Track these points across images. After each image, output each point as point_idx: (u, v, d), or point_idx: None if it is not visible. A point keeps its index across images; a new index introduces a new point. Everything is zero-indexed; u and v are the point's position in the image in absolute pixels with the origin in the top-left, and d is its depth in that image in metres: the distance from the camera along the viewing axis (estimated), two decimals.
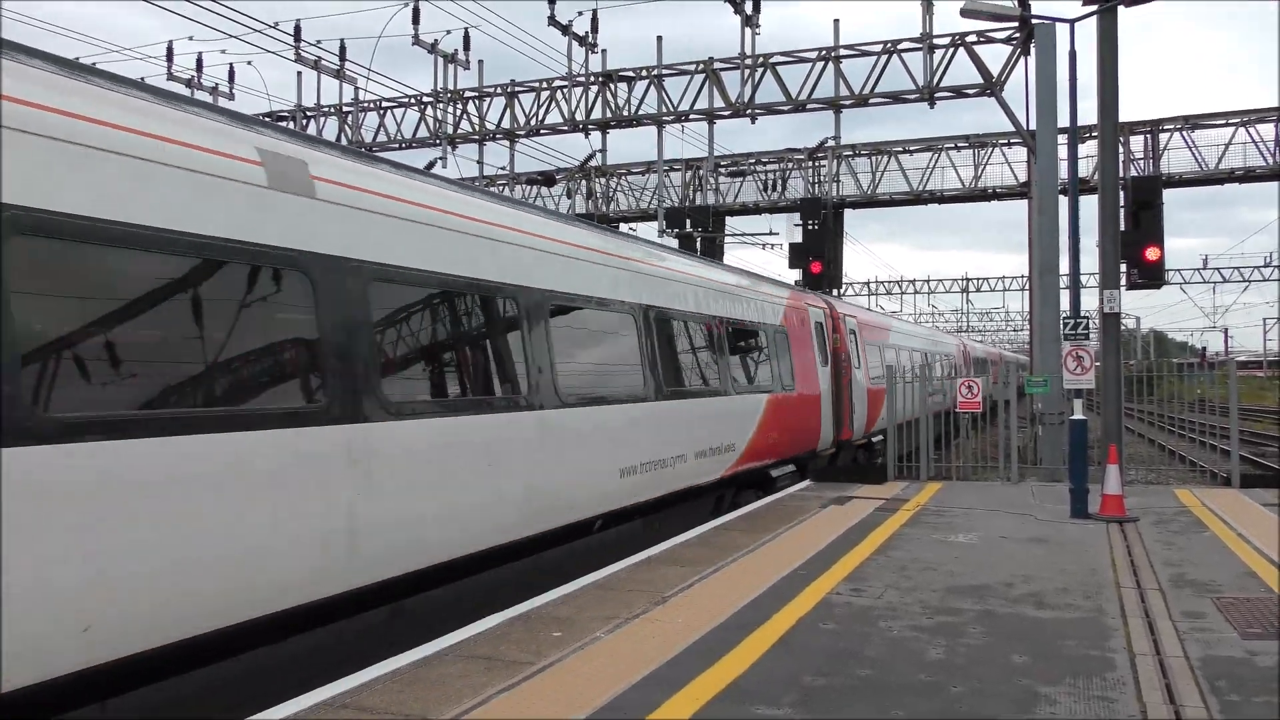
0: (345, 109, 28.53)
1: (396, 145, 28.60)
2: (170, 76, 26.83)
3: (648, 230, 32.90)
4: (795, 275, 25.40)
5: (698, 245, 27.04)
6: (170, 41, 26.71)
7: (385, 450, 6.56)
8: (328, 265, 6.32)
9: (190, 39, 34.91)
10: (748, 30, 23.17)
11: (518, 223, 8.83)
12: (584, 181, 32.96)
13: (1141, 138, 27.67)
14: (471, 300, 7.92)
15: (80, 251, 4.91)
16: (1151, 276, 17.88)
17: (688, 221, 28.29)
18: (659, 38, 25.06)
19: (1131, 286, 20.59)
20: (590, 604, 7.67)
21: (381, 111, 28.46)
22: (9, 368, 4.52)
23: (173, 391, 5.34)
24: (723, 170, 32.01)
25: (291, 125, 29.16)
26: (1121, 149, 22.25)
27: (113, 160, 5.11)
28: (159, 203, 5.31)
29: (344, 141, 28.72)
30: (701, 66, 24.28)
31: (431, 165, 28.77)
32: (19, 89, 4.76)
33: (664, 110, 24.80)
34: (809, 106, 23.51)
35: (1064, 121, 18.05)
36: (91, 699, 4.99)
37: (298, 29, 24.98)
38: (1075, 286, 13.63)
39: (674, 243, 26.83)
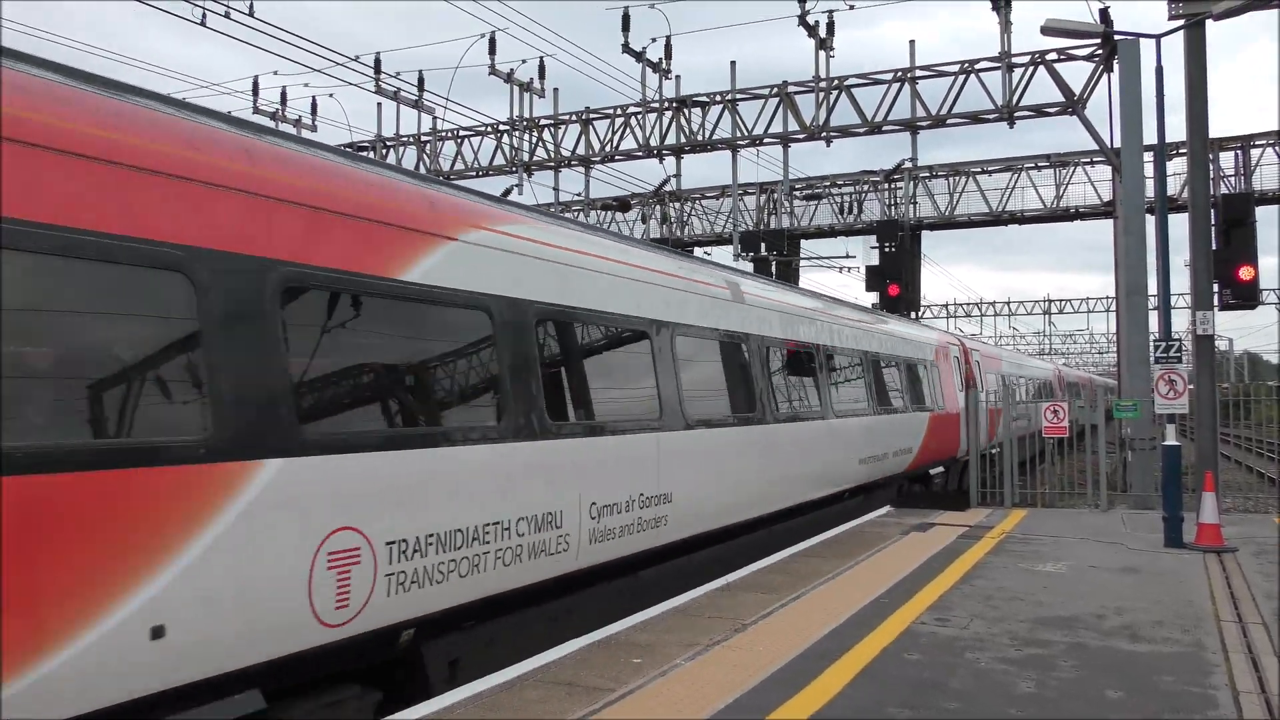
0: (424, 138, 29.09)
1: (474, 173, 29.06)
2: (255, 110, 27.65)
3: (722, 254, 32.84)
4: (872, 298, 25.15)
5: (773, 269, 26.95)
6: (256, 77, 27.52)
7: (686, 447, 9.39)
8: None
9: (275, 73, 35.93)
10: (821, 53, 23.09)
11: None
12: (658, 206, 33.08)
13: (1232, 154, 26.87)
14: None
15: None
16: (1245, 297, 17.29)
17: (762, 245, 28.22)
18: (732, 62, 25.11)
19: (1224, 307, 19.95)
20: (670, 630, 7.62)
21: (459, 140, 28.95)
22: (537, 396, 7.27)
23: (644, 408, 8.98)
24: (797, 193, 31.89)
25: (372, 154, 29.81)
26: (1211, 165, 21.61)
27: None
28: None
29: (423, 169, 29.25)
30: (775, 90, 24.25)
31: (508, 192, 29.18)
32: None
33: (738, 134, 24.80)
34: (885, 128, 23.31)
35: (1149, 138, 17.65)
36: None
37: (378, 62, 25.57)
38: (1166, 308, 13.24)
39: (749, 266, 26.76)
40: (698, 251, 32.39)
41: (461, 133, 28.85)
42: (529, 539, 6.98)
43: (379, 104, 28.53)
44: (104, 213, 4.51)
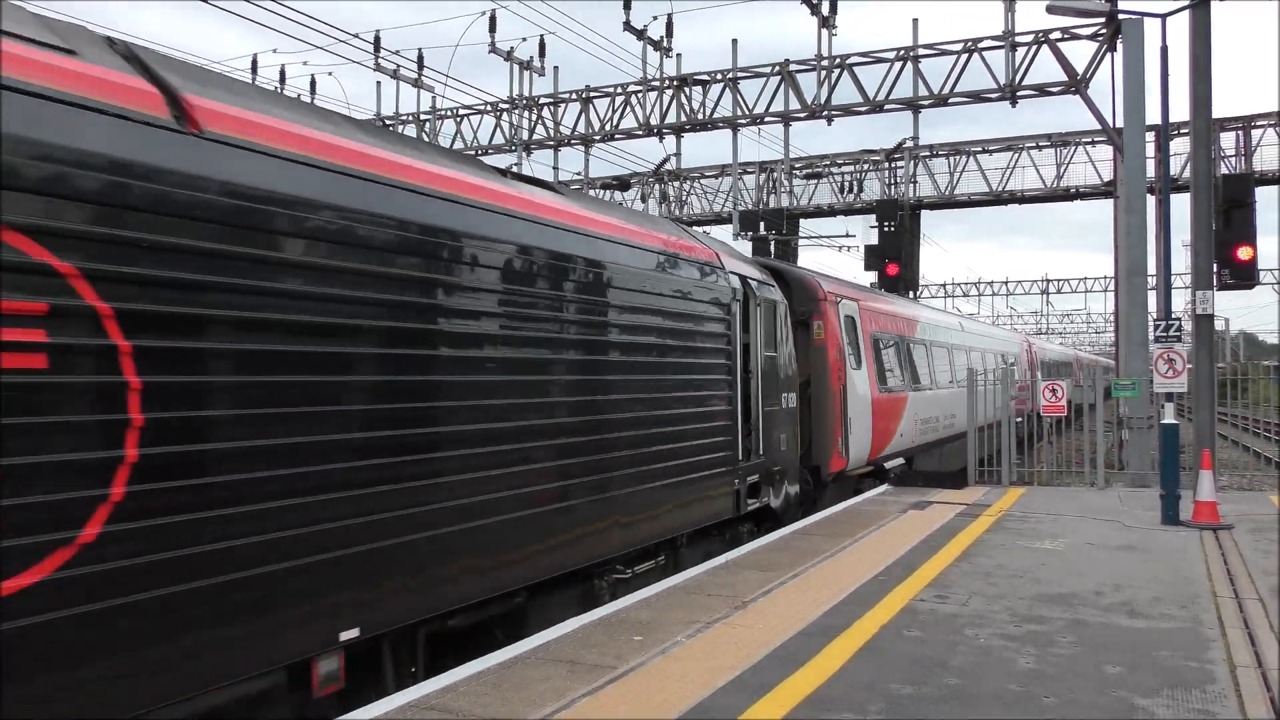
0: (423, 117, 28.96)
1: (473, 152, 28.95)
2: None
3: (721, 233, 32.74)
4: (871, 277, 25.12)
5: (771, 248, 26.90)
6: (255, 55, 27.38)
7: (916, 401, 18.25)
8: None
9: (274, 51, 35.71)
10: (824, 31, 22.96)
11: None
12: (658, 185, 32.97)
13: (1233, 134, 26.77)
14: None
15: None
16: (1243, 277, 17.25)
17: (762, 224, 28.17)
18: (734, 40, 24.98)
19: (1223, 287, 19.91)
20: (670, 608, 7.65)
21: (458, 119, 28.83)
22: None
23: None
24: (798, 173, 31.79)
25: None
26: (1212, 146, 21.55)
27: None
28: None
29: None
30: (777, 69, 24.13)
31: (507, 170, 29.06)
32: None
33: (738, 113, 24.70)
34: (886, 107, 23.21)
35: (1152, 118, 17.59)
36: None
37: (377, 39, 25.40)
38: (1167, 288, 13.24)
39: (748, 245, 26.73)
40: (696, 229, 32.28)
41: (461, 111, 28.73)
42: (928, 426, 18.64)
43: (378, 82, 28.40)
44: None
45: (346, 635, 5.32)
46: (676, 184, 32.98)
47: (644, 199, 33.20)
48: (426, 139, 28.78)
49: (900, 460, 17.01)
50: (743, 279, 10.86)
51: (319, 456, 5.14)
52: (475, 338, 6.41)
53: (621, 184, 30.72)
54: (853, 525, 11.69)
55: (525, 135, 27.43)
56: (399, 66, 26.62)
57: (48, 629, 3.89)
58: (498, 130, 28.21)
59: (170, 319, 4.43)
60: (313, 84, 28.24)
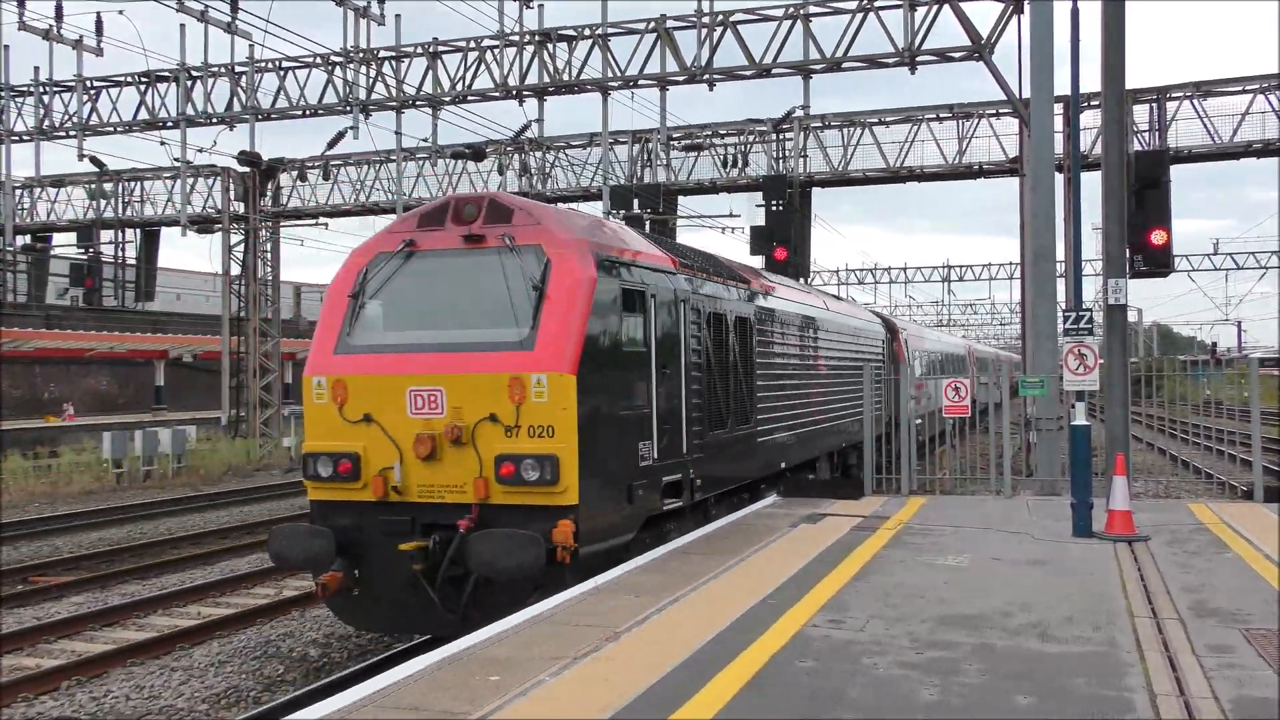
0: (238, 69, 28.04)
1: (300, 113, 28.19)
2: (23, 26, 26.14)
3: (590, 211, 32.76)
4: (757, 262, 25.42)
5: (646, 227, 26.97)
6: None
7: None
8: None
9: None
10: None
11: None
12: (517, 155, 32.73)
13: (1147, 107, 28.04)
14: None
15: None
16: (1157, 263, 18.10)
17: (635, 201, 28.24)
18: None
19: (1135, 275, 20.80)
20: (532, 642, 7.52)
21: (282, 73, 28.04)
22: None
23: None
24: (675, 143, 32.00)
25: (175, 88, 28.59)
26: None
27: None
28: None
29: (237, 107, 28.24)
30: (652, 25, 24.21)
31: (341, 136, 28.44)
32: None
33: (609, 74, 24.69)
34: (774, 71, 23.54)
35: (1061, 89, 18.26)
36: None
37: None
38: (1077, 274, 13.74)
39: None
40: (562, 207, 32.18)
41: (285, 64, 27.94)
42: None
43: (181, 25, 27.37)
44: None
45: (783, 465, 16.14)
46: (539, 154, 32.82)
47: (501, 170, 32.92)
48: (243, 93, 27.88)
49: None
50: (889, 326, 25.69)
51: (786, 410, 16.12)
52: (815, 354, 18.29)
53: (475, 153, 30.42)
54: (738, 542, 11.77)
55: (362, 94, 26.85)
56: (207, 7, 25.67)
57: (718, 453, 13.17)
58: (330, 88, 27.54)
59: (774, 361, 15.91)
60: (99, 25, 27.00)
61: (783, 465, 15.74)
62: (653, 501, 11.14)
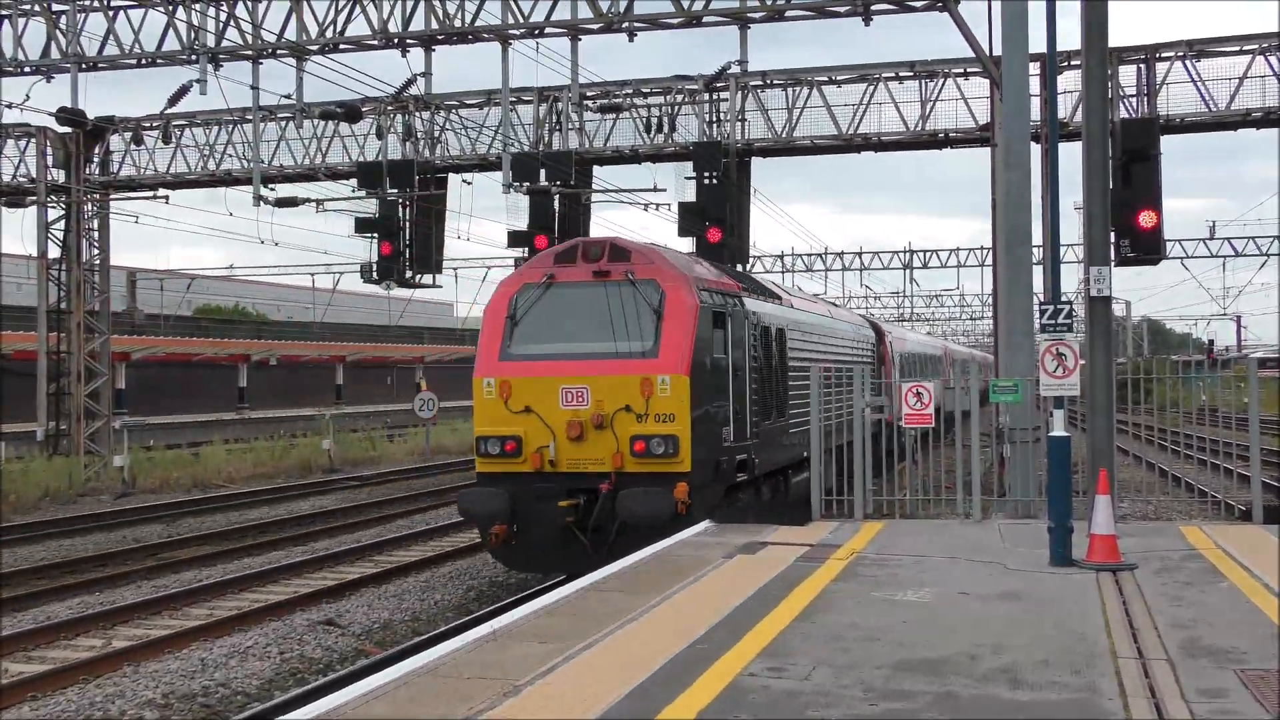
0: (56, 7, 27.50)
1: (134, 62, 27.73)
2: None
3: (487, 184, 32.64)
4: (687, 243, 25.55)
5: (555, 204, 27.01)
6: None
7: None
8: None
9: None
10: None
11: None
12: (400, 116, 32.49)
13: (1134, 68, 28.61)
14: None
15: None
16: (1147, 249, 18.67)
17: (542, 172, 28.19)
18: None
19: (1121, 262, 21.27)
20: (416, 699, 7.51)
21: (112, 13, 27.55)
22: None
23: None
24: (590, 104, 31.99)
25: None
26: (1110, 83, 23.03)
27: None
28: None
29: (55, 54, 27.71)
30: None
31: (185, 91, 28.04)
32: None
33: (510, 21, 24.66)
34: (706, 20, 23.72)
35: (1037, 46, 18.59)
36: None
37: None
38: (1055, 261, 14.01)
39: (525, 201, 26.76)
40: (454, 179, 32.07)
41: (114, 3, 27.45)
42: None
43: None
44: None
45: (805, 455, 18.43)
46: (425, 115, 32.60)
47: (380, 134, 32.64)
48: (62, 36, 27.37)
49: None
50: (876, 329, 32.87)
51: (807, 406, 17.66)
52: (826, 357, 22.96)
53: (349, 113, 30.12)
54: (664, 576, 11.84)
55: (210, 41, 26.48)
56: None
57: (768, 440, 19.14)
58: (171, 32, 27.12)
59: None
60: None
61: (804, 455, 19.10)
62: (732, 474, 16.87)
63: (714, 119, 31.58)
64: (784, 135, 31.67)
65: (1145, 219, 17.81)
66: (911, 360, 41.26)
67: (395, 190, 29.65)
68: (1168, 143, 26.43)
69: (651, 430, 15.25)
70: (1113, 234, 16.80)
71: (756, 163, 32.01)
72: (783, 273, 66.48)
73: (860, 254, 70.04)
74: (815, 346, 23.15)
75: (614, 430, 15.45)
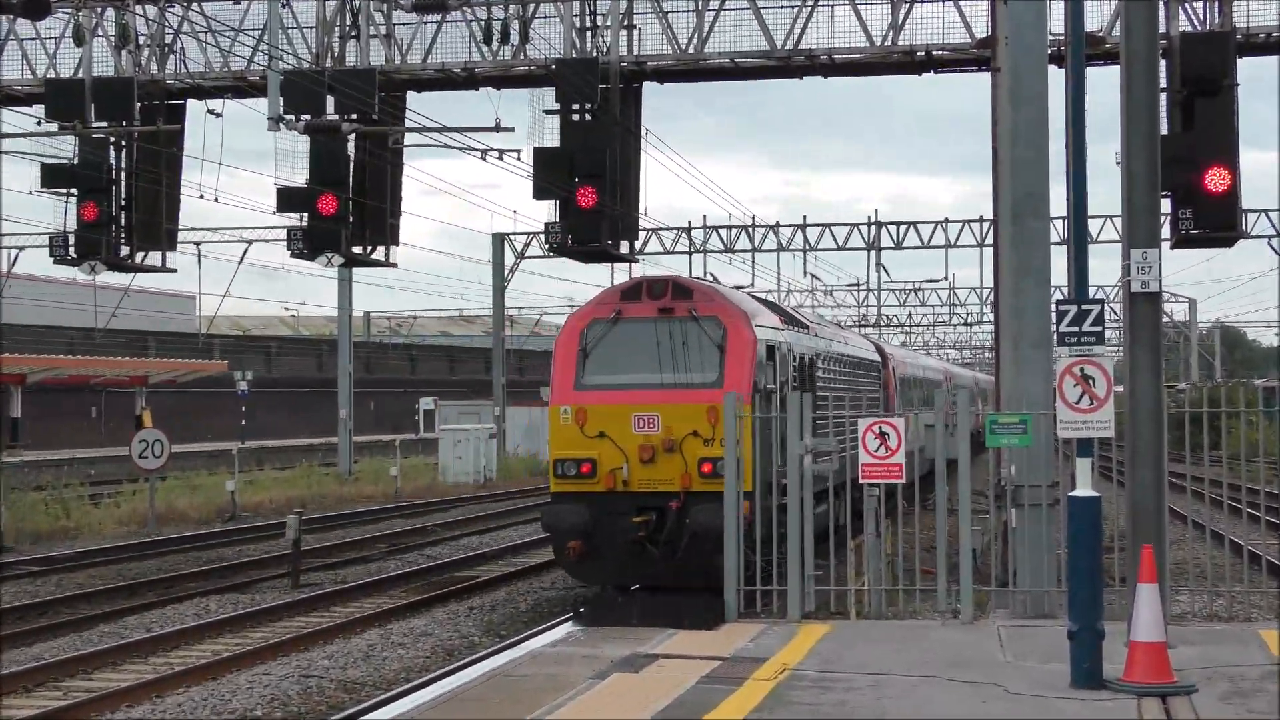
0: None
1: None
2: None
3: (247, 114, 32.22)
4: (543, 208, 25.65)
5: (349, 147, 26.85)
6: None
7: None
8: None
9: None
10: None
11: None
12: (111, 10, 31.96)
13: None
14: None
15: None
16: (1218, 224, 18.75)
17: (329, 100, 27.84)
18: None
19: (1180, 242, 21.48)
20: None
21: None
22: None
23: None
24: (401, 1, 31.75)
25: None
26: None
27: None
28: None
29: None
30: None
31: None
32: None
33: None
34: None
35: None
36: None
37: None
38: (1081, 241, 14.08)
39: (306, 144, 26.54)
40: (194, 106, 31.66)
41: None
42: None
43: None
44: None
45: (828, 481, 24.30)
46: (153, 11, 32.10)
47: (80, 37, 32.01)
48: None
49: None
50: (880, 352, 45.63)
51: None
52: (842, 383, 35.25)
53: (36, 6, 29.57)
54: (501, 708, 11.70)
55: None
56: None
57: None
58: None
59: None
60: None
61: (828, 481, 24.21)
62: (781, 493, 20.76)
63: (589, 25, 31.30)
64: (690, 50, 31.53)
65: (1215, 180, 17.85)
66: (911, 385, 51.61)
67: (105, 123, 29.16)
68: (1248, 68, 26.62)
69: (717, 453, 20.76)
70: (1167, 201, 16.85)
71: (650, 91, 31.79)
72: (690, 254, 65.94)
73: (804, 227, 69.41)
74: (835, 372, 33.28)
75: (683, 453, 22.93)
